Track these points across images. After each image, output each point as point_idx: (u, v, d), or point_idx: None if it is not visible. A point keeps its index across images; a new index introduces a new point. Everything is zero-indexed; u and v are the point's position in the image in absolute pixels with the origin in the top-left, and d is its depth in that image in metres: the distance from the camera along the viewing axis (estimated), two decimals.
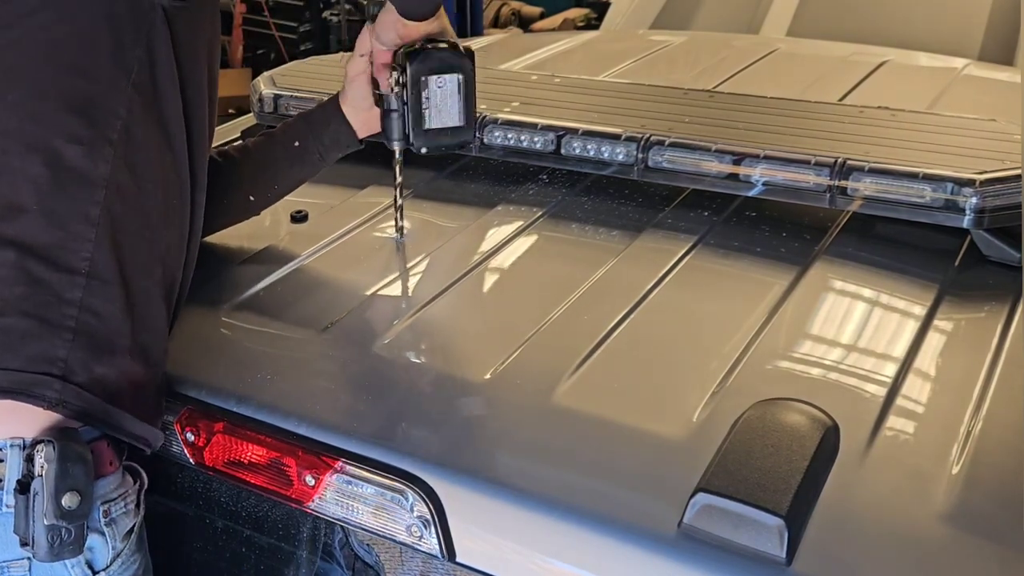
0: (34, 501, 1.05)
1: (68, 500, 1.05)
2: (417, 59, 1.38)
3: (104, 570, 1.13)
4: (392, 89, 1.42)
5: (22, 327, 1.09)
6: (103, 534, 1.12)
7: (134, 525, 1.17)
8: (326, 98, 1.56)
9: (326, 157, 1.56)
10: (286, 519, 1.33)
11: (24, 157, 1.12)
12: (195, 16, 1.27)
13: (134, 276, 1.17)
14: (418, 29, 1.39)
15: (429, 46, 1.40)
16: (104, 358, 1.13)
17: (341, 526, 1.29)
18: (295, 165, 1.56)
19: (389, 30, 1.40)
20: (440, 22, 1.41)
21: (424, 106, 1.40)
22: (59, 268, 1.11)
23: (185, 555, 1.41)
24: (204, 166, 1.34)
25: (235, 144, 1.62)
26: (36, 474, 1.05)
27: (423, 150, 1.44)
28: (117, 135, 1.16)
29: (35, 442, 1.07)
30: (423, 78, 1.38)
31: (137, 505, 1.18)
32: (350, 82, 1.50)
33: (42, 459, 1.05)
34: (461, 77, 1.40)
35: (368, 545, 1.27)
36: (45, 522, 1.05)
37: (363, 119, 1.52)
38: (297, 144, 1.54)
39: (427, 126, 1.42)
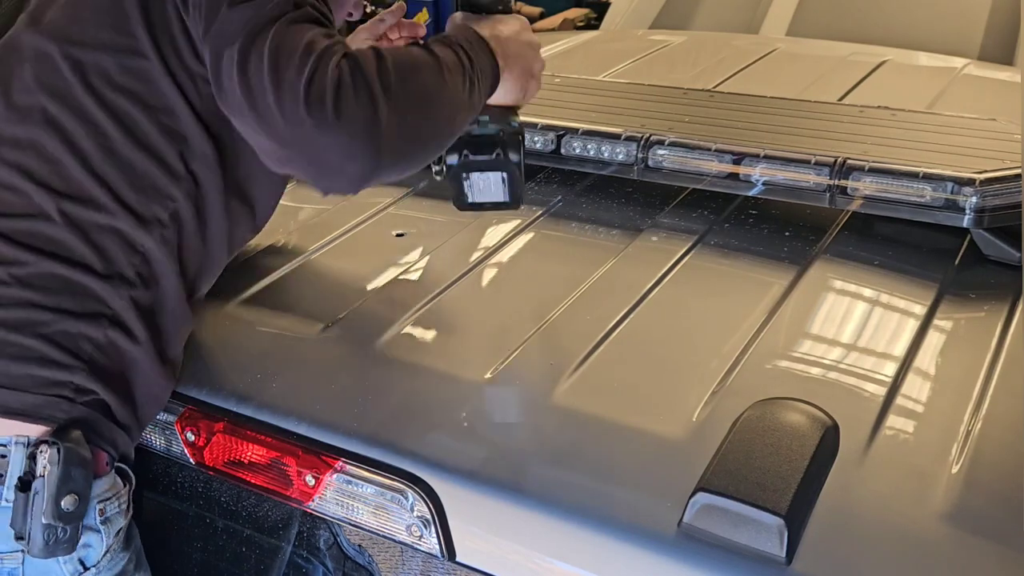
0: (33, 500, 1.07)
1: (67, 502, 1.07)
2: (455, 159, 1.29)
3: (95, 566, 1.15)
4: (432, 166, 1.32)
5: (41, 351, 1.11)
6: (99, 532, 1.14)
7: (124, 524, 1.19)
8: None
9: None
10: (273, 516, 1.33)
11: (82, 210, 1.15)
12: None
13: (157, 328, 1.20)
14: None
15: (474, 149, 1.29)
16: (110, 389, 1.15)
17: (330, 527, 1.29)
18: None
19: None
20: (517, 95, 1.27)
21: (466, 188, 1.32)
22: (89, 308, 1.14)
23: (184, 554, 1.41)
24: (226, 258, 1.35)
25: None
26: (38, 474, 1.07)
27: (462, 210, 1.36)
28: (168, 216, 1.19)
29: (39, 442, 1.08)
30: (464, 174, 1.31)
31: (128, 505, 1.20)
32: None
33: (45, 460, 1.07)
34: (505, 175, 1.31)
35: (359, 546, 1.27)
36: (43, 521, 1.06)
37: None
38: None
39: (469, 201, 1.34)
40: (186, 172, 1.19)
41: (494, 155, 1.29)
